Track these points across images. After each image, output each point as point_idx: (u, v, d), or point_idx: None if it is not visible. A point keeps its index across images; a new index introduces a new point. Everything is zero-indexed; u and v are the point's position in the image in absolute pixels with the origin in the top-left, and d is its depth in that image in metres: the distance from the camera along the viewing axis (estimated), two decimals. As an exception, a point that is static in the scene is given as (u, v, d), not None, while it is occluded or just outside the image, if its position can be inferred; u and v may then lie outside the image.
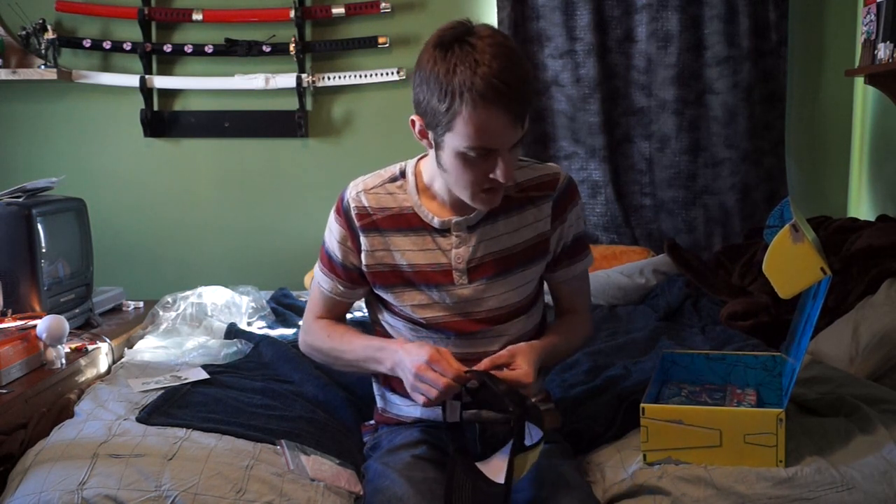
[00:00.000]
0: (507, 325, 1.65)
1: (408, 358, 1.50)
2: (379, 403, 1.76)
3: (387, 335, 1.70)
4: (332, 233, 1.66)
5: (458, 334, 1.63)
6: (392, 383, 1.70)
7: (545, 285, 1.75)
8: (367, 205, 1.61)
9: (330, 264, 1.67)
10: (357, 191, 1.63)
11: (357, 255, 1.64)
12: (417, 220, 1.60)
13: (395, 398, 1.71)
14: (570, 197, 1.65)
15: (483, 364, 1.50)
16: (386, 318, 1.69)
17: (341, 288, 1.68)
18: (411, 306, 1.63)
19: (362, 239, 1.61)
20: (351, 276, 1.66)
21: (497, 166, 1.46)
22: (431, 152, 1.53)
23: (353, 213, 1.62)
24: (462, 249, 1.59)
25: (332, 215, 1.66)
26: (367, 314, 1.81)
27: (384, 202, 1.62)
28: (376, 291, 1.67)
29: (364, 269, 1.63)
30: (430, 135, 1.49)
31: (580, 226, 1.69)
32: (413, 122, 1.51)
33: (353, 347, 1.65)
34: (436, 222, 1.60)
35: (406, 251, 1.61)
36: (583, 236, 1.70)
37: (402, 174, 1.64)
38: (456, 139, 1.44)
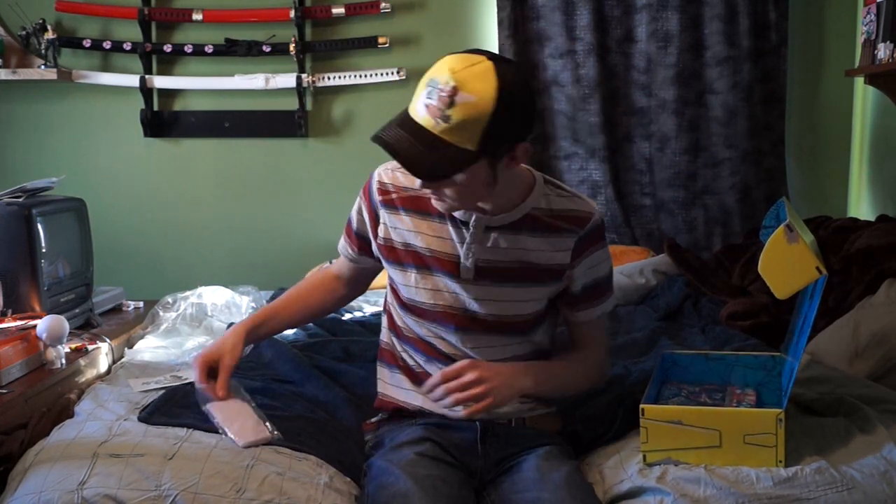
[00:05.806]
0: (508, 336, 1.66)
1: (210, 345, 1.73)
2: (379, 388, 1.77)
3: (394, 325, 1.73)
4: (356, 203, 1.76)
5: (458, 328, 1.64)
6: (386, 357, 1.75)
7: (557, 328, 1.77)
8: (387, 181, 1.68)
9: (348, 228, 1.78)
10: (384, 168, 1.71)
11: (368, 226, 1.71)
12: (435, 208, 1.61)
13: (393, 377, 1.73)
14: (595, 239, 1.65)
15: (435, 377, 1.59)
16: (396, 309, 1.72)
17: (350, 251, 1.78)
18: (416, 288, 1.64)
19: (382, 213, 1.68)
20: (359, 244, 1.75)
21: None
22: None
23: (374, 187, 1.69)
24: (475, 246, 1.60)
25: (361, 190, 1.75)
26: (369, 315, 1.82)
27: (408, 181, 1.64)
28: (386, 267, 1.72)
29: (379, 240, 1.68)
30: None
31: (604, 269, 1.69)
32: None
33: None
34: (456, 213, 1.61)
35: (423, 234, 1.64)
36: (606, 280, 1.70)
37: None
38: None
